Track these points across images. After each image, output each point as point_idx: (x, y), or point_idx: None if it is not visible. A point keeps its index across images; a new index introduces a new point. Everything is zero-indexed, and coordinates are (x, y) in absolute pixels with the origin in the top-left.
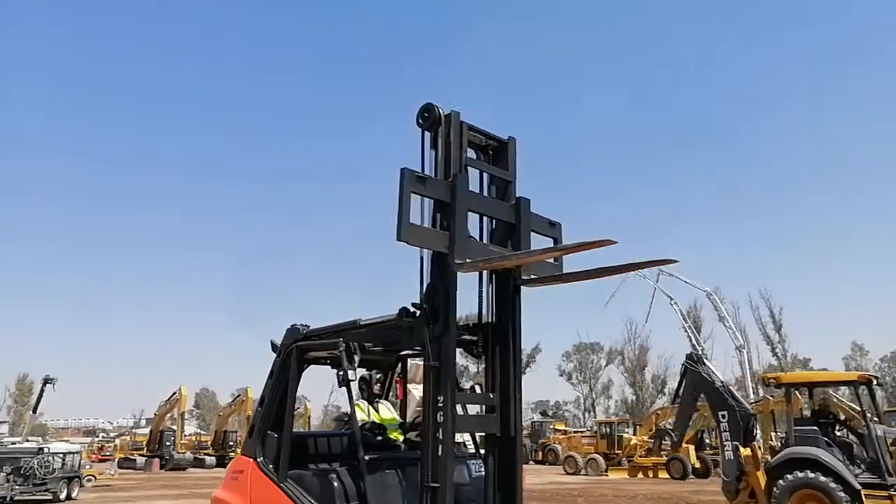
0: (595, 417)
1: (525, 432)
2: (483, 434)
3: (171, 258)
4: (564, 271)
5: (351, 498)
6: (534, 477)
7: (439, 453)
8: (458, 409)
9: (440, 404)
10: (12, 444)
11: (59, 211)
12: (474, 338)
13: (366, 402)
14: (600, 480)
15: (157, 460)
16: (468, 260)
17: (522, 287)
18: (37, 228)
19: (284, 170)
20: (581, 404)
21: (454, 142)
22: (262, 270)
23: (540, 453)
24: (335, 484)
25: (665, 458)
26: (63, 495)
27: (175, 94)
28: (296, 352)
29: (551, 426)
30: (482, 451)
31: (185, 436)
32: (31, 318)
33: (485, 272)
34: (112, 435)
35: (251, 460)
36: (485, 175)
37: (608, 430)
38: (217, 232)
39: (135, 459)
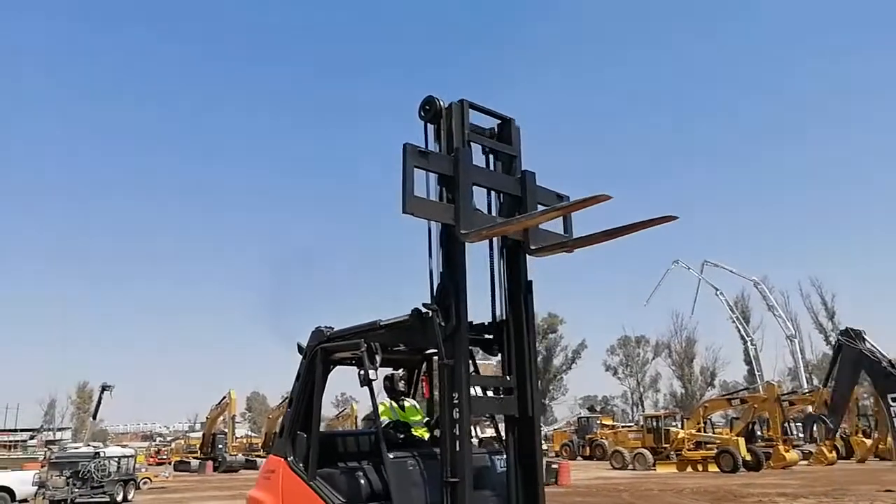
0: (644, 412)
1: (572, 428)
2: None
3: (223, 267)
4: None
5: (377, 495)
6: (580, 472)
7: (457, 448)
8: (480, 392)
9: (455, 401)
10: (74, 448)
11: (115, 226)
12: (489, 336)
13: (390, 401)
14: (648, 475)
15: (210, 462)
16: (474, 230)
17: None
18: (95, 244)
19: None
20: (629, 399)
21: (456, 130)
22: (301, 271)
23: (587, 449)
24: (361, 482)
25: (715, 450)
26: (119, 497)
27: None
28: (320, 353)
29: (598, 421)
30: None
31: (237, 438)
32: (92, 327)
33: (496, 259)
34: (169, 439)
35: (282, 460)
36: (490, 157)
37: (655, 423)
38: (263, 236)
39: (189, 462)
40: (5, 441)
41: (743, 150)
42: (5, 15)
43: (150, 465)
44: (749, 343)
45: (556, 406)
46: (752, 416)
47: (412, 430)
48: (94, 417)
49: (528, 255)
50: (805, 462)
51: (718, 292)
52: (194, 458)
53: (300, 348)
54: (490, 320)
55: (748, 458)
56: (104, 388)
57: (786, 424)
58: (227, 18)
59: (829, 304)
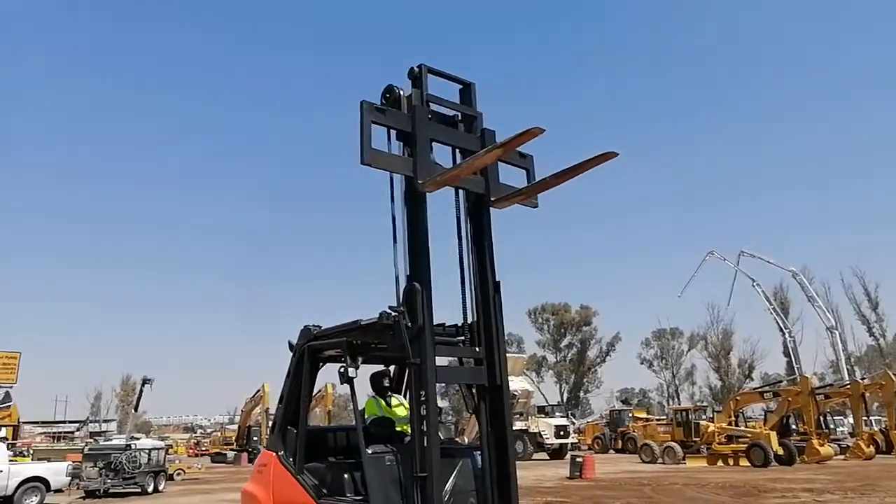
0: (680, 405)
1: (603, 420)
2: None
3: (257, 262)
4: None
5: (358, 489)
6: (608, 465)
7: (425, 444)
8: (452, 362)
9: (423, 399)
10: (115, 440)
11: (157, 223)
12: (462, 337)
13: (376, 397)
14: (676, 469)
15: (245, 454)
16: (429, 178)
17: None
18: (137, 241)
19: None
20: (665, 391)
21: (415, 91)
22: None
23: (619, 442)
24: (345, 476)
25: (746, 445)
26: (150, 488)
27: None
28: (308, 351)
29: (630, 414)
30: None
31: None
32: (140, 321)
33: (463, 218)
34: (209, 431)
35: (273, 454)
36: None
37: (684, 417)
38: (304, 232)
39: (225, 454)
40: (52, 432)
41: (783, 138)
42: None
43: (189, 456)
44: (787, 335)
45: (593, 398)
46: (786, 409)
47: (397, 426)
48: (136, 409)
49: (491, 210)
50: (841, 457)
51: (755, 283)
52: (230, 449)
53: (291, 346)
54: (461, 323)
55: (780, 452)
56: (145, 382)
57: (821, 418)
58: None
59: (872, 294)
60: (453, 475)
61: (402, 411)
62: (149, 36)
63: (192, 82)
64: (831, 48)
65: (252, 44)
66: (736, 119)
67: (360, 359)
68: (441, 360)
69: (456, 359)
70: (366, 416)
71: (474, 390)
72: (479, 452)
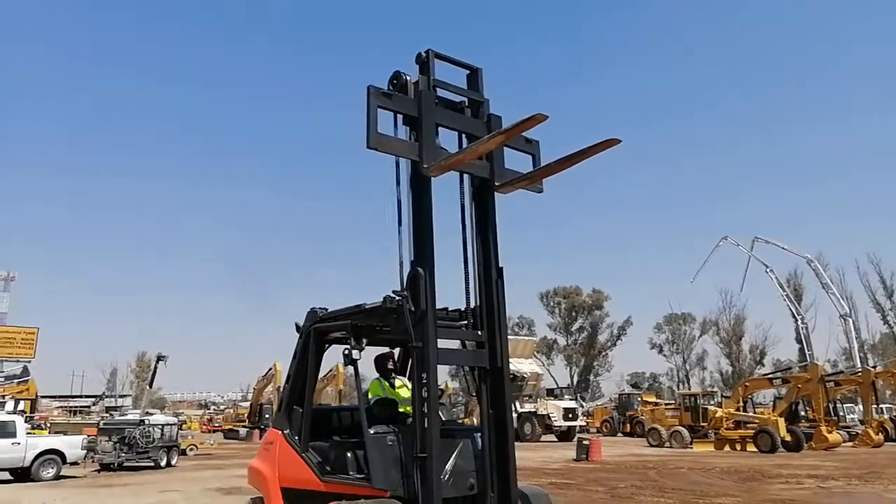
0: (690, 390)
1: (612, 404)
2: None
3: (273, 243)
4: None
5: (361, 467)
6: (616, 448)
7: (425, 425)
8: (456, 344)
9: (424, 381)
10: (129, 414)
11: (173, 212)
12: (464, 322)
13: (381, 379)
14: (683, 453)
15: (257, 431)
16: (434, 163)
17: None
18: (154, 228)
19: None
20: (675, 376)
21: (422, 77)
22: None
23: (628, 425)
24: (348, 454)
25: (754, 430)
26: (163, 462)
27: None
28: (314, 333)
29: (639, 398)
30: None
31: None
32: (153, 301)
33: (468, 205)
34: (222, 407)
35: (279, 432)
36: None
37: (692, 402)
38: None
39: (237, 431)
40: (68, 406)
41: (798, 126)
42: None
43: (202, 432)
44: (800, 322)
45: (603, 382)
46: (795, 396)
47: (400, 407)
48: (151, 386)
49: (496, 195)
50: (850, 444)
51: (768, 270)
52: (242, 426)
53: (298, 328)
54: (464, 307)
55: (788, 438)
56: (159, 359)
57: (830, 405)
58: None
59: (887, 282)
60: (453, 456)
61: (405, 393)
62: (148, 36)
63: (191, 77)
64: (831, 48)
65: (252, 43)
66: (736, 118)
67: (364, 341)
68: (446, 343)
69: (458, 342)
70: (370, 397)
71: (476, 373)
72: (479, 433)
